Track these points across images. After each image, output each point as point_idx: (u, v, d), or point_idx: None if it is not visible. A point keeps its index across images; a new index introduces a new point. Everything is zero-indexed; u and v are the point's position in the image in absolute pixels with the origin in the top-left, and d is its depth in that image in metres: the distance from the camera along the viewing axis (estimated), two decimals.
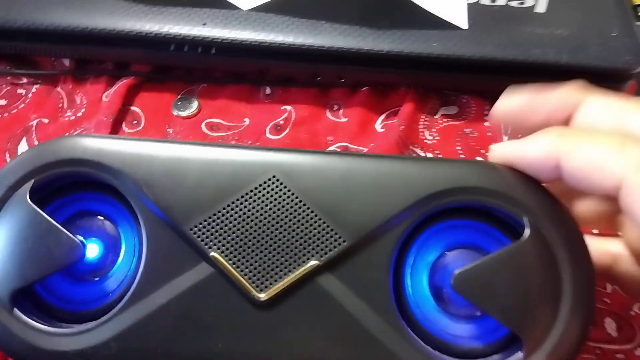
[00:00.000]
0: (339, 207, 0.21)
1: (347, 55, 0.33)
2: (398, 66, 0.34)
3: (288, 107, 0.36)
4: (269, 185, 0.21)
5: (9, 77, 0.36)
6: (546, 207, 0.20)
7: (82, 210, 0.22)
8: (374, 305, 0.20)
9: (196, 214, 0.21)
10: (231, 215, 0.21)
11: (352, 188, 0.21)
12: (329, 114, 0.35)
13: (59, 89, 0.36)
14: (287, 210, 0.21)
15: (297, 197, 0.21)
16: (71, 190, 0.22)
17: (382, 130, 0.34)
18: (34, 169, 0.21)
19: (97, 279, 0.22)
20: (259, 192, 0.21)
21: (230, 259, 0.20)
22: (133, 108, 0.35)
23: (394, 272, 0.21)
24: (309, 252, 0.20)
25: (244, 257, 0.20)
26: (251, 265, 0.20)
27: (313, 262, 0.20)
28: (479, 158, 0.33)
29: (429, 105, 0.36)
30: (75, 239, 0.21)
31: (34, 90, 0.36)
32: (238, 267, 0.20)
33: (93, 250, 0.22)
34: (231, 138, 0.34)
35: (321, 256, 0.20)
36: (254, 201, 0.21)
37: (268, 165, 0.21)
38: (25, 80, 0.36)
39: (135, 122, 0.35)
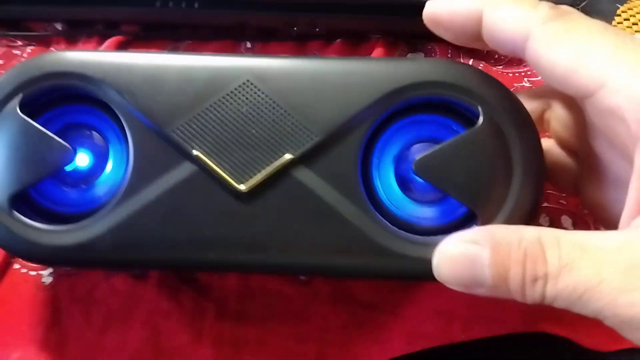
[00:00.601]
0: (309, 106, 0.23)
1: (320, 3, 0.36)
2: (368, 12, 0.37)
3: None
4: (243, 89, 0.23)
5: (4, 40, 0.39)
6: (499, 97, 0.23)
7: (71, 122, 0.25)
8: (345, 193, 0.23)
9: (177, 117, 0.23)
10: (210, 117, 0.23)
11: (321, 87, 0.23)
12: None
13: (51, 49, 0.38)
14: (261, 110, 0.23)
15: (270, 98, 0.23)
16: (59, 103, 0.24)
17: None
18: (21, 84, 0.23)
19: (89, 185, 0.25)
20: (235, 94, 0.23)
21: (211, 156, 0.23)
22: None
23: (362, 164, 0.23)
24: (283, 147, 0.23)
25: (223, 154, 0.23)
26: (231, 161, 0.23)
27: (288, 156, 0.22)
28: None
29: (397, 52, 0.39)
30: (65, 144, 0.23)
31: (28, 50, 0.38)
32: (219, 163, 0.23)
33: (83, 159, 0.24)
34: None
35: (295, 150, 0.23)
36: (230, 103, 0.23)
37: (242, 70, 0.23)
38: (20, 42, 0.39)
39: None
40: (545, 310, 0.26)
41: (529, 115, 0.23)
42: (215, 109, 0.23)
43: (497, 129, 0.22)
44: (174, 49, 0.39)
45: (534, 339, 0.25)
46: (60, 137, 0.23)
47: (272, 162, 0.23)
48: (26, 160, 0.22)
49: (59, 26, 0.40)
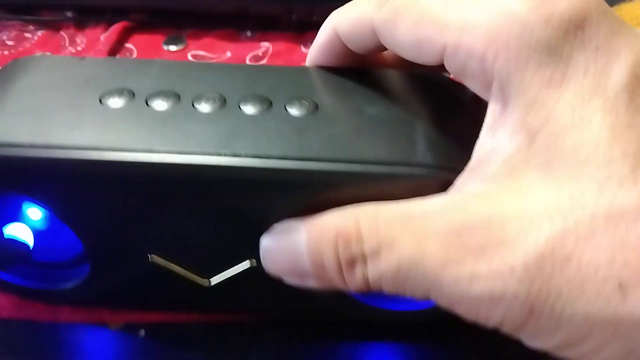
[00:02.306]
0: (266, 216, 0.20)
1: None
2: None
3: (266, 44, 0.40)
4: (186, 203, 0.20)
5: (17, 24, 0.41)
6: None
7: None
8: None
9: (119, 227, 0.21)
10: (156, 228, 0.20)
11: (279, 198, 0.19)
12: (303, 49, 0.39)
13: (61, 32, 0.40)
14: (211, 223, 0.20)
15: (219, 212, 0.20)
16: None
17: None
18: None
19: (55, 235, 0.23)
20: (176, 209, 0.20)
21: (169, 260, 0.22)
22: (127, 45, 0.39)
23: None
24: (243, 254, 0.21)
25: (181, 258, 0.22)
26: (191, 263, 0.22)
27: (249, 263, 0.21)
28: None
29: None
30: (18, 244, 0.22)
31: (39, 34, 0.40)
32: (179, 264, 0.22)
33: (36, 215, 0.23)
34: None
35: (256, 256, 0.20)
36: (173, 216, 0.20)
37: (181, 183, 0.19)
38: (32, 27, 0.41)
39: (128, 54, 0.39)
40: None
41: None
42: (158, 220, 0.20)
43: None
44: (177, 36, 0.40)
45: None
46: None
47: (234, 264, 0.21)
48: None
49: (69, 14, 0.42)
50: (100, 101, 0.21)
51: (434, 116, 0.20)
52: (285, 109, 0.20)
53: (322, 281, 0.17)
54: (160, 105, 0.21)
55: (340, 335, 0.24)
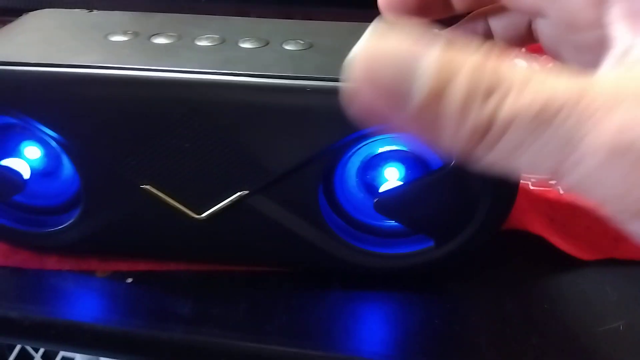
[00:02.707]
0: (263, 144, 0.20)
1: None
2: (361, 6, 0.40)
3: None
4: (186, 121, 0.20)
5: None
6: None
7: (5, 124, 0.23)
8: (301, 214, 0.22)
9: (117, 151, 0.21)
10: (152, 151, 0.20)
11: (276, 122, 0.20)
12: None
13: None
14: (208, 146, 0.20)
15: (216, 134, 0.20)
16: None
17: None
18: None
19: (49, 178, 0.24)
20: (176, 127, 0.20)
21: (163, 190, 0.21)
22: None
23: (325, 181, 0.22)
24: (238, 183, 0.21)
25: (175, 188, 0.21)
26: (184, 194, 0.21)
27: (243, 192, 0.21)
28: None
29: None
30: (13, 172, 0.22)
31: None
32: (172, 195, 0.22)
33: (34, 154, 0.23)
34: None
35: (250, 186, 0.21)
36: (172, 137, 0.20)
37: (183, 97, 0.20)
38: None
39: None
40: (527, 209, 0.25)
41: None
42: (155, 142, 0.20)
43: (467, 173, 0.20)
44: None
45: (511, 236, 0.24)
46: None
47: (227, 196, 0.21)
48: None
49: None
50: (105, 37, 0.22)
51: None
52: (282, 45, 0.21)
53: (428, 113, 0.13)
54: (162, 41, 0.22)
55: (330, 285, 0.23)
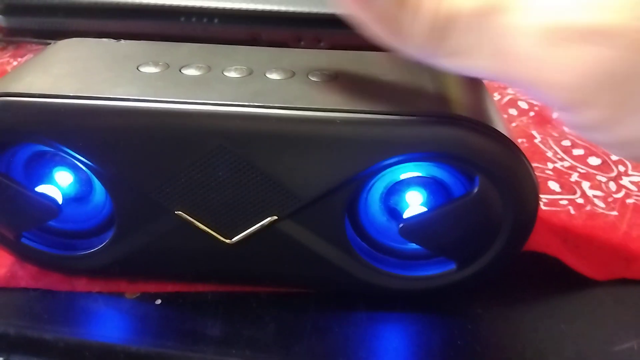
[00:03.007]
0: (292, 171, 0.21)
1: (324, 19, 0.41)
2: None
3: None
4: (217, 152, 0.21)
5: (33, 45, 0.44)
6: (502, 166, 0.20)
7: (38, 151, 0.23)
8: (328, 238, 0.23)
9: (150, 179, 0.21)
10: (185, 179, 0.21)
11: (306, 152, 0.20)
12: None
13: None
14: (240, 175, 0.21)
15: (247, 163, 0.21)
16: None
17: None
18: None
19: (81, 203, 0.25)
20: (208, 159, 0.21)
21: (194, 216, 0.22)
22: None
23: (350, 205, 0.23)
24: (267, 209, 0.22)
25: (206, 215, 0.22)
26: (214, 220, 0.22)
27: (272, 218, 0.22)
28: None
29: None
30: (49, 198, 0.23)
31: None
32: (202, 221, 0.22)
33: (65, 179, 0.24)
34: None
35: (280, 212, 0.22)
36: (205, 167, 0.21)
37: (214, 132, 0.20)
38: None
39: None
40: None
41: (531, 177, 0.21)
42: (189, 171, 0.21)
43: (491, 195, 0.21)
44: None
45: (526, 257, 0.25)
46: (34, 166, 0.23)
47: (257, 222, 0.22)
48: (10, 218, 0.23)
49: None
50: (137, 69, 0.23)
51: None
52: (308, 76, 0.22)
53: (386, 12, 0.17)
54: (192, 72, 0.22)
55: (355, 307, 0.24)
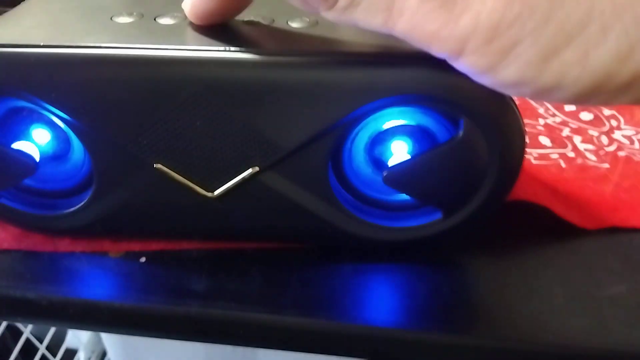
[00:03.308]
0: (273, 120, 0.20)
1: None
2: None
3: None
4: (195, 100, 0.20)
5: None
6: (487, 110, 0.20)
7: (14, 107, 0.23)
8: (311, 189, 0.22)
9: (127, 130, 0.21)
10: (163, 129, 0.21)
11: (285, 98, 0.20)
12: None
13: None
14: (218, 124, 0.20)
15: (226, 113, 0.20)
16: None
17: None
18: None
19: (59, 161, 0.24)
20: (186, 106, 0.20)
21: (174, 168, 0.22)
22: None
23: (333, 155, 0.22)
24: (248, 160, 0.21)
25: (186, 166, 0.22)
26: (195, 172, 0.22)
27: (252, 170, 0.21)
28: None
29: None
30: (25, 155, 0.22)
31: None
32: (183, 174, 0.22)
33: (43, 137, 0.23)
34: None
35: (261, 163, 0.21)
36: (182, 116, 0.20)
37: (193, 77, 0.20)
38: None
39: None
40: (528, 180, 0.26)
41: (518, 121, 0.21)
42: (166, 121, 0.21)
43: (477, 139, 0.21)
44: None
45: (514, 207, 0.25)
46: (11, 123, 0.22)
47: (238, 173, 0.22)
48: None
49: None
50: (111, 19, 0.22)
51: None
52: (287, 22, 0.22)
53: None
54: (167, 21, 0.22)
55: (340, 259, 0.24)
